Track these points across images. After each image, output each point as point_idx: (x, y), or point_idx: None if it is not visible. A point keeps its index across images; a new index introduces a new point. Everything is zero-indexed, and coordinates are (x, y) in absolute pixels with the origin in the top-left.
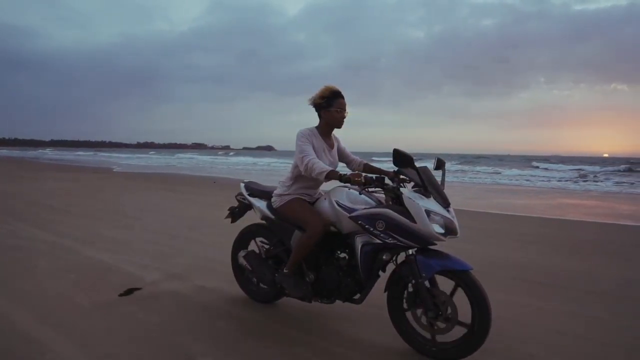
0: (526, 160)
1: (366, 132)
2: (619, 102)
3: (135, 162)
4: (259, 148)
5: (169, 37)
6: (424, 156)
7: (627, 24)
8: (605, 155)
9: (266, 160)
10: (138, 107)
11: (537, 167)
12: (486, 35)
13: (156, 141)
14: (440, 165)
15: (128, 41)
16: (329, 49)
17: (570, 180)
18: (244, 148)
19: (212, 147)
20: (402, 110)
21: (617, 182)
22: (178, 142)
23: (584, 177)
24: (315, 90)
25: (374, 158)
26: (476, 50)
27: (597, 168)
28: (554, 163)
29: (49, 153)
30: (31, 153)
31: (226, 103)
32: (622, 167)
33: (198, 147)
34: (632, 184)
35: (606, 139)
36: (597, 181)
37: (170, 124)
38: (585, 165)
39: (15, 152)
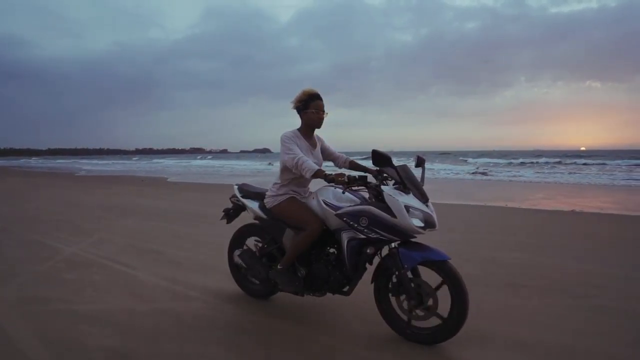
0: (480, 155)
1: (358, 133)
2: (593, 98)
3: (107, 167)
4: (255, 151)
5: (164, 45)
6: (404, 154)
7: (597, 25)
8: (583, 148)
9: (223, 162)
10: (137, 114)
11: (465, 161)
12: (470, 38)
13: (155, 147)
14: (420, 163)
15: (123, 49)
16: (320, 53)
17: (465, 172)
18: (241, 151)
19: (210, 151)
20: (392, 110)
21: (490, 171)
22: (177, 147)
23: (482, 169)
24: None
25: (362, 157)
26: (461, 52)
27: (518, 161)
28: (489, 158)
29: (32, 162)
30: (15, 162)
31: (223, 107)
32: (543, 159)
33: (196, 151)
34: (490, 173)
35: (582, 133)
36: (484, 172)
37: (169, 130)
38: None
39: (0, 162)
